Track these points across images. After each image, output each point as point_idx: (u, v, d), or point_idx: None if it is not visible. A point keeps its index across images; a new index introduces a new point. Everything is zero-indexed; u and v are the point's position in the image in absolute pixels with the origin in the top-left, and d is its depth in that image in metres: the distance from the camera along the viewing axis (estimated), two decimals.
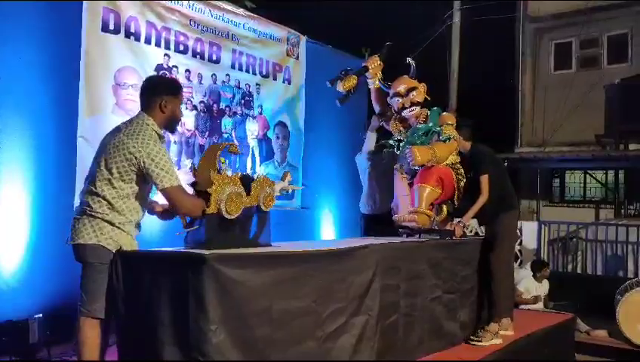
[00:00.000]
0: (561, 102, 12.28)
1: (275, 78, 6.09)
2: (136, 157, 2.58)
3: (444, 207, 4.37)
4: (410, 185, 4.24)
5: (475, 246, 4.42)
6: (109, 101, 4.40)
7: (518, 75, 13.48)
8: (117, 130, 2.71)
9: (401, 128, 4.35)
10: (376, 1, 14.25)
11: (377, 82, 4.48)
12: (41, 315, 3.79)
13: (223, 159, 2.71)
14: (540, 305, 7.06)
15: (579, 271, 8.84)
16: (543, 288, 7.20)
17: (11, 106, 3.91)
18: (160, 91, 2.76)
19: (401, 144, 4.22)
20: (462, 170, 4.29)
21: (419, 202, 4.03)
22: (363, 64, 4.49)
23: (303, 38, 6.43)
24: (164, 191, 2.62)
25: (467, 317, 4.22)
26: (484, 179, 4.24)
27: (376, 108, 4.63)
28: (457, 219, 4.40)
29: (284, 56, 6.19)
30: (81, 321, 2.56)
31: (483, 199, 4.23)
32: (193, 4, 5.16)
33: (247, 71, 5.75)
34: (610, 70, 12.28)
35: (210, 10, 5.33)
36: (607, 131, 12.05)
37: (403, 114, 4.32)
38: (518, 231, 8.71)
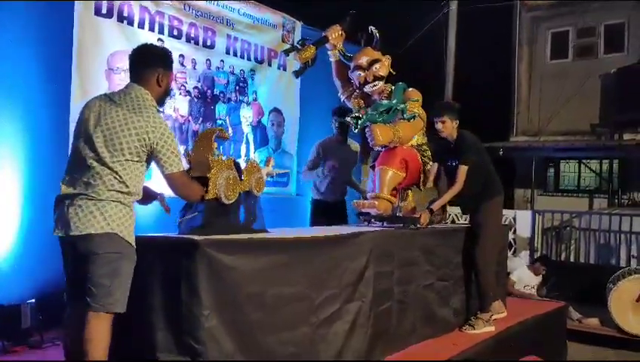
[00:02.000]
0: (557, 91, 12.30)
1: (270, 65, 6.04)
2: (149, 138, 2.42)
3: (409, 193, 4.09)
4: (372, 167, 3.98)
5: (465, 234, 4.42)
6: (102, 86, 4.35)
7: (514, 63, 13.47)
8: (109, 101, 2.51)
9: (363, 104, 3.99)
10: None
11: (337, 54, 4.11)
12: (33, 300, 3.78)
13: (215, 144, 2.70)
14: (532, 292, 7.11)
15: (572, 259, 8.88)
16: (536, 279, 7.24)
17: (1, 91, 3.87)
18: (156, 63, 2.60)
19: (359, 121, 3.77)
20: (429, 153, 4.04)
21: (380, 186, 3.75)
22: (323, 34, 4.12)
23: (299, 24, 6.37)
24: (171, 176, 2.50)
25: (460, 304, 4.25)
26: (462, 170, 4.02)
27: (337, 83, 4.27)
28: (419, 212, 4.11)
29: (280, 42, 6.13)
30: (89, 316, 2.33)
31: (456, 189, 4.03)
32: None
33: (242, 57, 5.70)
34: (606, 60, 12.28)
35: None
36: (602, 121, 12.09)
37: (365, 89, 3.97)
38: (512, 219, 8.78)
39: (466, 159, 4.04)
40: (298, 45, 3.95)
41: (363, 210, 3.88)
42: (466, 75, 12.00)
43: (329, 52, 4.18)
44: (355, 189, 5.30)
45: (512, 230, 8.72)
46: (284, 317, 2.69)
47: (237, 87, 5.66)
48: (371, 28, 4.07)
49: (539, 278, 7.26)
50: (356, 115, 3.82)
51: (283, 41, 6.17)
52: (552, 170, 13.36)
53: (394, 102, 3.81)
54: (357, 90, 4.09)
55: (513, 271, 7.07)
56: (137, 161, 2.47)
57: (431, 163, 4.06)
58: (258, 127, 5.92)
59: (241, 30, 5.65)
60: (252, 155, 5.79)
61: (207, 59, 5.31)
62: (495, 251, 4.37)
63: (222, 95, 5.50)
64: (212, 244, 2.40)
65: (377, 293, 3.30)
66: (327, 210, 5.07)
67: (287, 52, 4.11)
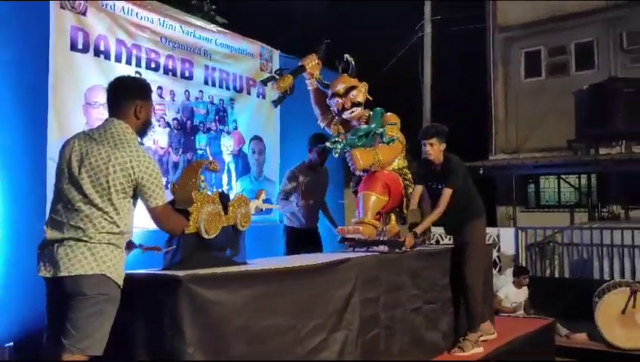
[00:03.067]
0: (533, 109, 12.55)
1: (249, 93, 6.06)
2: (134, 172, 2.39)
3: (393, 216, 4.10)
4: (355, 193, 4.01)
5: (451, 255, 4.43)
6: (80, 121, 4.31)
7: (490, 83, 13.72)
8: (89, 139, 2.46)
9: (342, 131, 4.05)
10: (348, 13, 14.39)
11: (315, 82, 4.20)
12: (12, 344, 3.67)
13: (202, 177, 2.68)
14: (520, 311, 7.12)
15: (557, 275, 8.95)
16: (522, 294, 7.26)
17: None
18: (133, 95, 2.56)
19: (339, 146, 3.77)
20: (410, 176, 4.06)
21: (364, 212, 3.75)
22: (300, 63, 4.20)
23: (276, 53, 6.42)
24: (156, 209, 2.47)
25: (449, 327, 4.23)
26: (447, 193, 4.05)
27: (316, 111, 4.35)
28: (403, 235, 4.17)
29: (258, 71, 6.17)
30: (64, 357, 2.27)
31: (439, 212, 4.05)
32: (164, 21, 5.12)
33: (221, 86, 5.71)
34: (578, 77, 12.59)
35: (181, 27, 5.28)
36: (578, 136, 12.31)
37: (344, 115, 4.03)
38: (496, 237, 8.84)
39: (452, 183, 4.07)
40: (276, 75, 4.03)
41: (348, 236, 3.87)
42: (444, 96, 12.21)
43: (307, 80, 4.27)
44: (327, 216, 5.35)
45: (497, 248, 8.77)
46: (270, 350, 2.64)
47: (217, 117, 5.66)
48: (346, 56, 4.17)
49: (525, 291, 7.28)
50: (336, 140, 3.83)
51: (261, 69, 6.20)
52: (532, 186, 13.53)
53: (372, 126, 3.84)
54: (336, 117, 4.14)
55: (500, 289, 7.09)
56: (125, 198, 2.44)
57: (413, 186, 4.07)
58: (239, 156, 5.90)
59: (218, 60, 5.67)
60: (234, 184, 5.76)
61: (185, 90, 5.31)
62: (481, 270, 4.38)
63: (202, 125, 5.49)
64: (194, 280, 2.36)
65: (364, 321, 3.27)
66: (303, 238, 5.06)
67: (265, 82, 4.17)
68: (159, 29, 5.07)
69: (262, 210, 3.26)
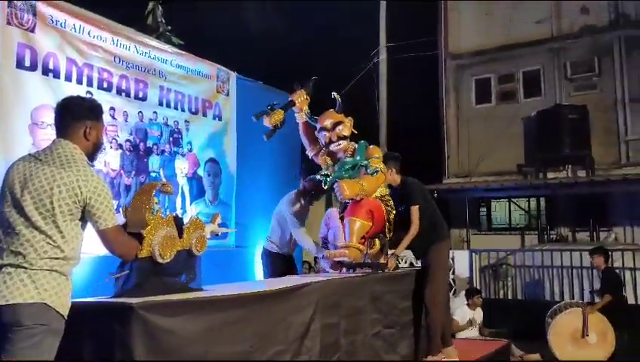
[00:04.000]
0: (484, 134, 12.89)
1: (205, 115, 5.96)
2: (81, 192, 2.26)
3: (377, 240, 4.34)
4: (342, 218, 4.22)
5: (414, 278, 4.44)
6: (26, 141, 4.12)
7: (442, 109, 14.05)
8: (35, 160, 2.33)
9: (330, 163, 4.36)
10: (306, 37, 14.53)
11: (305, 116, 4.50)
12: None
13: (156, 199, 2.57)
14: (475, 333, 7.18)
15: (510, 296, 9.11)
16: (477, 316, 7.33)
17: None
18: (83, 116, 2.43)
19: (328, 178, 4.20)
20: (391, 202, 4.32)
21: (350, 236, 4.01)
22: (289, 98, 4.51)
23: (233, 75, 6.37)
24: (106, 232, 2.33)
25: (408, 350, 4.19)
26: (415, 211, 4.32)
27: (305, 141, 4.66)
28: (390, 252, 4.41)
29: (214, 92, 6.09)
30: None
31: (414, 230, 4.29)
32: (117, 40, 4.99)
33: (176, 108, 5.60)
34: (526, 103, 13.05)
35: (135, 47, 5.17)
36: (527, 161, 12.71)
37: (331, 148, 4.34)
38: (450, 260, 8.93)
39: (415, 202, 4.35)
40: (268, 109, 4.31)
41: (335, 259, 4.07)
42: (399, 122, 12.41)
43: (296, 114, 4.57)
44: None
45: (451, 270, 8.86)
46: None
47: (171, 139, 5.53)
48: (334, 94, 4.49)
49: (480, 313, 7.36)
50: (325, 173, 4.23)
51: (217, 91, 6.14)
52: (484, 209, 13.83)
53: (358, 158, 4.19)
54: (323, 148, 4.44)
55: (455, 312, 7.14)
56: (72, 220, 2.29)
57: (394, 212, 4.32)
58: (194, 179, 5.77)
59: (174, 81, 5.57)
60: (188, 208, 5.61)
61: (139, 111, 5.17)
62: (444, 293, 4.59)
63: (155, 147, 5.34)
64: (148, 307, 2.24)
65: (324, 347, 3.20)
66: (285, 262, 4.98)
67: (257, 117, 4.36)
68: (112, 49, 4.94)
69: (218, 234, 3.16)
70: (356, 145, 4.31)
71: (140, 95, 5.20)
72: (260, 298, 2.85)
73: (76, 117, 2.46)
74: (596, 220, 11.54)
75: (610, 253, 7.31)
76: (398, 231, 4.39)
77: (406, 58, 12.17)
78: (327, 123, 4.30)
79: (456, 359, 4.43)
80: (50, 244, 2.23)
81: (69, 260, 2.29)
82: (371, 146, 4.35)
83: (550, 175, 12.17)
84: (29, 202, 2.24)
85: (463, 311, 7.23)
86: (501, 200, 13.51)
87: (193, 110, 5.81)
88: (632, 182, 10.74)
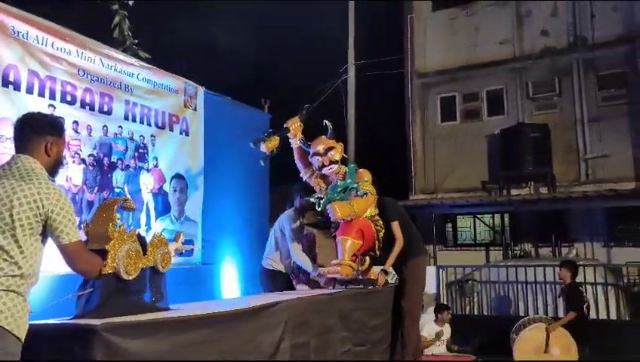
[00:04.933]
0: (449, 151, 13.11)
1: (171, 130, 5.86)
2: (43, 205, 2.17)
3: (367, 258, 4.54)
4: (334, 238, 4.48)
5: (384, 295, 4.46)
6: None
7: (408, 126, 14.23)
8: None
9: (322, 185, 4.64)
10: (274, 53, 14.57)
11: (299, 142, 4.77)
12: None
13: (118, 215, 2.48)
14: (442, 349, 7.19)
15: (476, 312, 9.18)
16: (445, 331, 7.36)
17: None
18: (44, 131, 2.36)
19: (321, 201, 4.45)
20: (380, 222, 4.55)
21: (342, 254, 4.23)
22: (285, 125, 4.76)
23: (201, 89, 6.30)
24: (67, 247, 2.23)
25: None
26: (395, 226, 4.57)
27: (299, 165, 4.90)
28: (379, 268, 4.59)
29: (182, 107, 6.00)
30: None
31: (399, 244, 4.53)
32: (82, 53, 4.88)
33: (142, 122, 5.48)
34: (490, 122, 13.34)
35: (101, 60, 5.06)
36: (491, 178, 12.96)
37: (323, 171, 4.60)
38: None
39: (393, 218, 4.59)
40: (265, 136, 4.63)
41: (328, 276, 4.32)
42: (366, 138, 12.50)
43: (290, 140, 4.83)
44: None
45: None
46: None
47: (136, 154, 5.41)
48: (326, 121, 4.76)
49: (448, 329, 7.39)
50: (318, 195, 4.49)
51: (185, 105, 6.05)
52: (449, 226, 14.00)
53: (348, 181, 4.46)
54: (316, 171, 4.71)
55: (423, 327, 7.14)
56: (31, 235, 2.18)
57: (383, 230, 4.53)
58: (159, 194, 5.65)
59: (140, 95, 5.46)
60: (153, 224, 5.48)
61: (103, 126, 5.05)
62: (418, 308, 4.81)
63: (120, 162, 5.21)
64: (112, 328, 2.14)
65: None
66: (283, 279, 5.03)
67: (255, 143, 4.64)
68: (77, 61, 4.83)
69: (182, 252, 3.09)
70: (347, 169, 4.57)
71: (105, 109, 5.08)
72: (228, 317, 2.78)
73: (37, 132, 2.38)
74: (558, 236, 11.82)
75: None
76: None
77: (374, 76, 12.32)
78: (320, 148, 4.57)
79: None
80: (7, 261, 2.12)
81: (26, 278, 2.18)
82: (360, 170, 4.60)
83: (513, 192, 12.43)
84: None
85: (430, 327, 7.24)
86: (466, 216, 13.71)
87: (160, 125, 5.71)
88: (591, 198, 11.05)
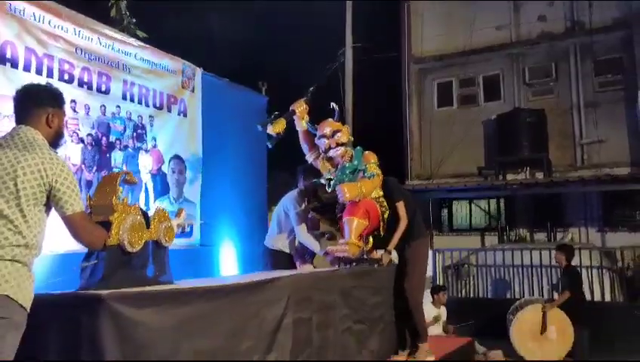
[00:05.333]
0: (446, 137, 13.11)
1: (169, 110, 5.82)
2: (47, 175, 2.16)
3: (370, 238, 4.56)
4: (340, 218, 4.52)
5: (384, 274, 4.47)
6: None
7: (405, 112, 14.21)
8: None
9: (330, 167, 4.69)
10: (272, 35, 14.46)
11: (305, 124, 4.79)
12: None
13: (120, 188, 2.47)
14: (439, 330, 7.25)
15: (472, 294, 9.25)
16: (442, 313, 7.42)
17: None
18: (45, 103, 2.36)
19: (331, 182, 4.55)
20: (385, 203, 4.57)
21: (349, 233, 4.27)
22: (291, 108, 4.79)
23: (199, 71, 6.25)
24: (72, 217, 2.22)
25: (377, 346, 4.19)
26: (400, 206, 4.56)
27: (305, 147, 4.92)
28: (381, 251, 4.62)
29: (180, 88, 5.96)
30: None
31: (404, 224, 4.53)
32: (80, 31, 4.83)
33: (140, 102, 5.44)
34: (486, 107, 13.35)
35: (98, 39, 5.00)
36: (487, 163, 12.99)
37: (329, 154, 4.61)
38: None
39: (398, 197, 4.61)
40: (272, 119, 4.66)
41: (336, 255, 4.38)
42: (364, 123, 12.45)
43: (296, 122, 4.84)
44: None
45: None
46: None
47: (135, 134, 5.38)
48: (333, 104, 4.82)
49: (444, 310, 7.45)
50: (329, 177, 4.59)
51: (183, 87, 6.01)
52: (445, 211, 14.04)
53: (356, 163, 4.53)
54: (322, 154, 4.72)
55: None
56: (35, 205, 2.17)
57: (388, 212, 4.56)
58: (158, 175, 5.62)
59: (138, 75, 5.42)
60: (152, 205, 5.47)
61: (101, 105, 5.01)
62: (422, 289, 4.87)
63: (118, 142, 5.18)
64: (118, 298, 2.15)
65: (296, 341, 3.15)
66: (285, 259, 5.02)
67: (263, 125, 4.67)
68: (74, 40, 4.77)
69: (184, 228, 3.10)
70: (353, 151, 4.61)
71: (103, 88, 5.04)
72: (232, 291, 2.79)
73: (38, 103, 2.37)
74: (553, 221, 11.89)
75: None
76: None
77: (371, 62, 12.27)
78: (327, 130, 4.58)
79: (432, 358, 4.49)
80: (12, 230, 2.12)
81: (30, 249, 2.18)
82: (367, 152, 4.64)
83: (509, 177, 12.47)
84: None
85: (428, 309, 7.29)
86: (462, 201, 13.76)
87: (158, 105, 5.67)
88: (588, 182, 11.11)
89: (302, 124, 4.82)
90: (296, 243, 5.00)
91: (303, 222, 4.85)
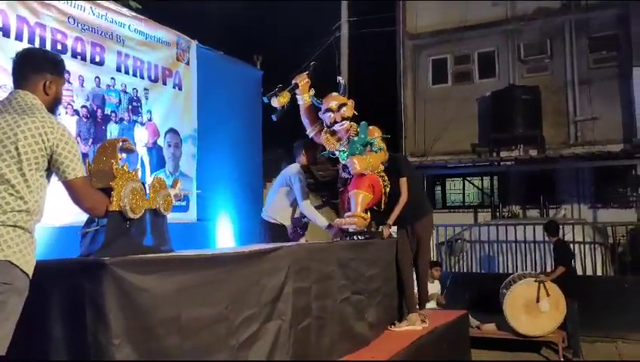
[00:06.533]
0: (440, 114, 13.07)
1: (164, 83, 5.75)
2: (48, 138, 2.13)
3: (369, 213, 4.61)
4: (342, 192, 4.65)
5: (381, 246, 4.50)
6: None
7: (400, 88, 14.13)
8: None
9: (333, 141, 4.71)
10: (266, 10, 14.24)
11: (308, 98, 4.83)
12: None
13: (119, 155, 2.45)
14: (432, 304, 7.33)
15: (465, 270, 9.34)
16: (434, 288, 7.49)
17: None
18: (43, 68, 2.31)
19: (343, 155, 4.60)
20: (387, 178, 4.65)
21: (355, 206, 4.33)
22: (293, 82, 4.79)
23: (194, 43, 6.17)
24: (74, 183, 2.19)
25: (375, 317, 4.23)
26: (404, 182, 4.65)
27: (306, 122, 4.93)
28: (380, 227, 4.74)
29: (174, 60, 5.88)
30: None
31: (404, 200, 4.61)
32: (72, 1, 4.73)
33: (135, 75, 5.37)
34: (481, 84, 13.30)
35: (91, 8, 4.91)
36: (481, 140, 12.99)
37: (334, 128, 4.64)
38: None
39: (403, 173, 4.70)
40: (276, 91, 4.65)
41: (343, 226, 4.43)
42: (359, 98, 12.38)
43: (297, 96, 4.84)
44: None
45: None
46: (202, 342, 2.46)
47: (130, 107, 5.32)
48: (339, 78, 4.97)
49: (437, 285, 7.53)
50: (341, 149, 4.62)
51: (177, 59, 5.94)
52: (439, 187, 14.09)
53: (363, 137, 4.55)
54: (327, 128, 4.73)
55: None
56: (37, 170, 2.15)
57: (389, 186, 4.64)
58: (154, 149, 5.59)
59: (132, 47, 5.34)
60: (148, 178, 5.43)
61: (96, 77, 4.94)
62: (428, 261, 5.12)
63: (113, 115, 5.13)
64: (121, 264, 2.14)
65: (296, 310, 3.17)
66: (281, 231, 5.03)
67: (269, 97, 4.67)
68: (66, 9, 4.69)
69: (180, 198, 3.09)
70: (358, 126, 4.62)
71: (97, 59, 4.96)
72: (233, 259, 2.79)
73: (36, 69, 2.33)
74: (546, 198, 11.96)
75: (561, 226, 7.59)
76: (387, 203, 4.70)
77: (366, 37, 12.16)
78: (333, 104, 4.59)
79: (426, 323, 4.64)
80: (13, 195, 2.09)
81: (32, 215, 2.16)
82: (371, 127, 4.66)
83: (503, 154, 12.48)
84: None
85: None
86: (456, 179, 13.80)
87: (153, 78, 5.61)
88: (582, 158, 11.17)
89: (304, 98, 4.83)
90: (295, 215, 5.00)
91: (306, 195, 4.87)
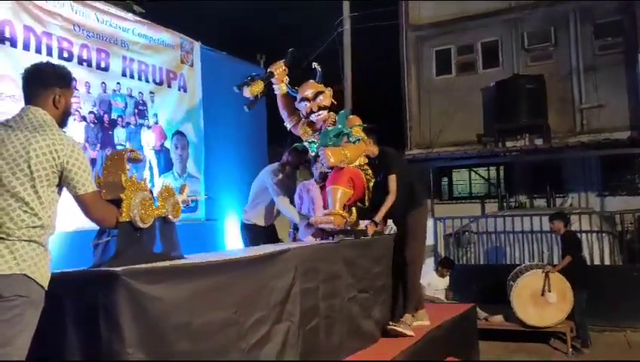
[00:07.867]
0: (444, 105, 13.06)
1: (169, 86, 5.83)
2: (59, 156, 2.20)
3: (354, 209, 4.34)
4: (322, 187, 4.22)
5: (385, 243, 4.51)
6: None
7: (404, 80, 14.11)
8: (4, 127, 2.25)
9: (310, 132, 4.37)
10: (268, 7, 14.25)
11: (284, 87, 4.47)
12: None
13: (127, 165, 2.51)
14: (442, 298, 7.39)
15: (472, 262, 9.37)
16: (444, 283, 7.55)
17: None
18: (52, 82, 2.37)
19: (314, 146, 4.27)
20: (370, 171, 4.35)
21: (333, 203, 3.99)
22: (268, 70, 4.46)
23: (197, 45, 6.23)
24: (85, 197, 2.27)
25: (380, 315, 4.27)
26: (392, 179, 4.40)
27: (283, 113, 4.59)
28: (366, 222, 4.41)
29: (179, 62, 5.95)
30: None
31: (392, 198, 4.38)
32: (76, 8, 4.80)
33: (140, 78, 5.45)
34: (485, 74, 13.25)
35: (96, 15, 4.98)
36: (486, 130, 12.96)
37: (311, 118, 4.32)
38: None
39: (392, 170, 4.43)
40: (248, 80, 4.29)
41: (320, 226, 4.05)
42: (363, 92, 12.41)
43: (274, 85, 4.49)
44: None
45: None
46: (213, 346, 2.53)
47: (136, 110, 5.40)
48: (315, 64, 4.47)
49: (446, 281, 7.57)
50: (312, 140, 4.28)
51: (182, 61, 6.00)
52: (445, 179, 14.09)
53: (340, 127, 4.21)
54: (303, 119, 4.41)
55: (423, 277, 7.30)
56: (49, 186, 2.22)
57: (373, 180, 4.35)
58: (161, 151, 5.67)
59: (137, 51, 5.42)
60: (156, 181, 5.52)
61: (102, 82, 5.02)
62: (421, 258, 4.73)
63: (120, 119, 5.21)
64: (132, 274, 2.20)
65: (304, 311, 3.23)
66: (265, 235, 4.91)
67: (239, 87, 4.33)
68: (72, 16, 4.77)
69: (187, 204, 3.14)
70: (337, 116, 4.33)
71: (102, 65, 5.04)
72: (242, 264, 2.85)
73: (44, 84, 2.38)
74: (552, 187, 11.94)
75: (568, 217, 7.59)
76: (376, 199, 4.41)
77: (369, 30, 12.14)
78: (309, 93, 4.26)
79: (427, 322, 4.55)
80: (27, 212, 2.17)
81: (45, 229, 2.23)
82: (351, 116, 4.39)
83: (508, 144, 12.46)
84: (5, 168, 2.16)
85: (430, 277, 7.44)
86: (462, 169, 13.79)
87: (157, 81, 5.68)
88: (588, 147, 11.12)
89: (281, 87, 4.47)
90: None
91: (282, 193, 4.66)
